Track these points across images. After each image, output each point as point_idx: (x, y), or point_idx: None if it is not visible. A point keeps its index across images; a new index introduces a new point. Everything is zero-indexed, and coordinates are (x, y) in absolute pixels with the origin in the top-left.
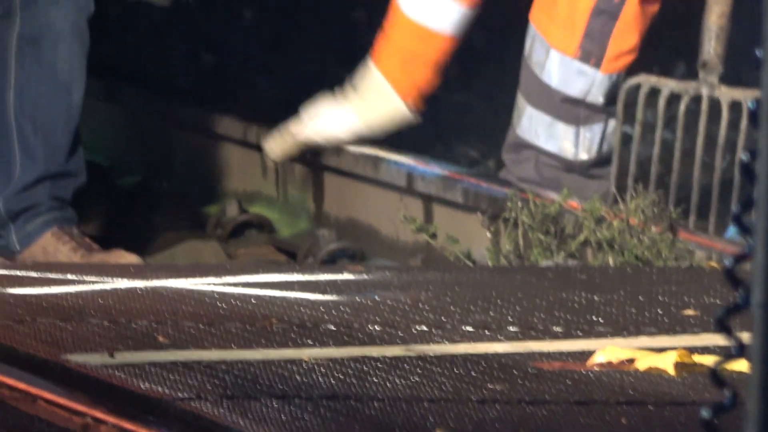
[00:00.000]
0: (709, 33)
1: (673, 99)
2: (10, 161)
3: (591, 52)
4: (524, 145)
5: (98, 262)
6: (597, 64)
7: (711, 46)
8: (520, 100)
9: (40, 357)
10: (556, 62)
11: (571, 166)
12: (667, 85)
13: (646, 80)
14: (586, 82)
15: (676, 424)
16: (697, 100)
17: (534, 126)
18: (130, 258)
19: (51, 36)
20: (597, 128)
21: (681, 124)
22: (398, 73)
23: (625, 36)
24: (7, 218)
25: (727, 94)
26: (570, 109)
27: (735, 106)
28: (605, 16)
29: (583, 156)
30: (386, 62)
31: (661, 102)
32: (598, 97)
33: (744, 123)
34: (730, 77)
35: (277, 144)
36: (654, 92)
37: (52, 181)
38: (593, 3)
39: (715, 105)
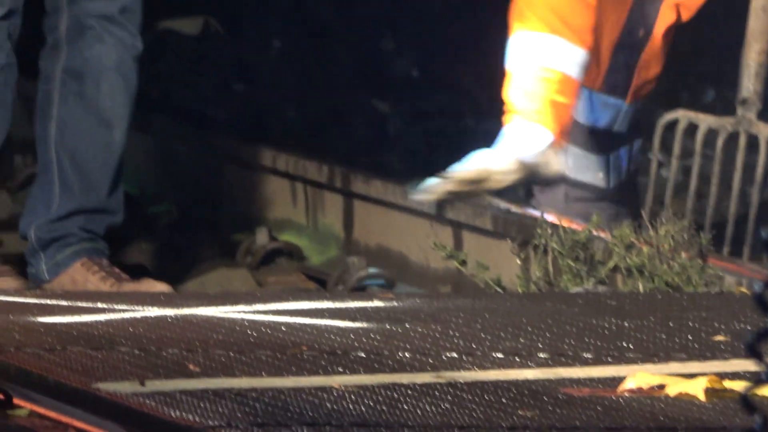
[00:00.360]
0: (748, 70)
1: (710, 133)
2: (50, 193)
3: (616, 85)
4: (554, 179)
5: (128, 291)
6: (623, 95)
7: (750, 83)
8: None
9: (70, 385)
10: (584, 97)
11: (603, 194)
12: (705, 121)
13: (684, 115)
14: (612, 113)
15: None
16: (733, 134)
17: (565, 159)
18: (161, 287)
19: (94, 71)
20: (623, 153)
21: (718, 160)
22: (552, 121)
23: (650, 67)
24: (38, 247)
25: (765, 131)
26: (599, 140)
27: None
28: (629, 49)
29: (614, 182)
30: (540, 113)
31: (699, 138)
32: (624, 126)
33: None
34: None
35: (435, 187)
36: (691, 126)
37: (86, 215)
38: (616, 38)
39: (751, 140)
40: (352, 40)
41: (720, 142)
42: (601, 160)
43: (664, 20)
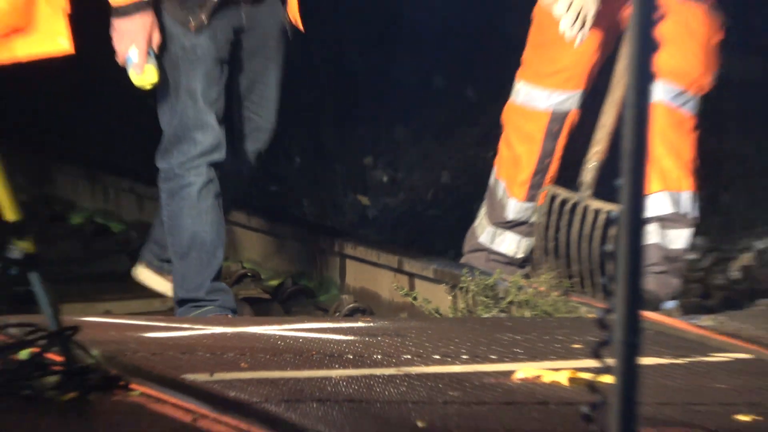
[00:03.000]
0: (587, 164)
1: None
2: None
3: (535, 194)
4: (481, 249)
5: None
6: (538, 199)
7: (587, 171)
8: (485, 220)
9: (167, 376)
10: (513, 205)
11: (511, 261)
12: (560, 194)
13: (550, 188)
14: (531, 210)
15: (568, 416)
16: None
17: (491, 237)
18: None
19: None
20: (533, 240)
21: (565, 222)
22: None
23: (555, 169)
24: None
25: (593, 205)
26: (520, 227)
27: (600, 213)
28: (542, 172)
29: (520, 255)
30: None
31: (555, 205)
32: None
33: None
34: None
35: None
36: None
37: (213, 283)
38: (535, 167)
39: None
40: (346, 155)
41: (567, 207)
42: (515, 239)
43: (566, 133)
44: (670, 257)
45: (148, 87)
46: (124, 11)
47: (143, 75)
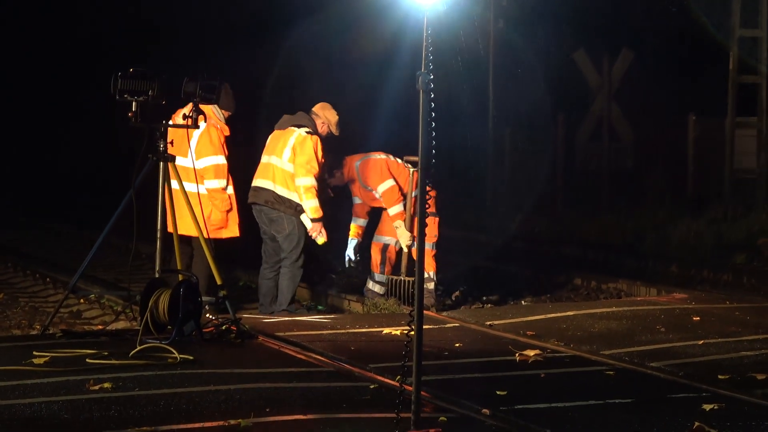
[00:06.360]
0: (402, 268)
1: None
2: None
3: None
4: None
5: None
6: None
7: (403, 265)
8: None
9: (270, 332)
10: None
11: (380, 294)
12: (392, 277)
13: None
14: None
15: (398, 348)
16: None
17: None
18: None
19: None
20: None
21: (395, 283)
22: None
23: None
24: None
25: (402, 277)
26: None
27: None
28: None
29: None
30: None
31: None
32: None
33: None
34: None
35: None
36: None
37: None
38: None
39: None
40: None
41: (395, 280)
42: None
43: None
44: None
45: (321, 243)
46: (318, 220)
47: (322, 239)
